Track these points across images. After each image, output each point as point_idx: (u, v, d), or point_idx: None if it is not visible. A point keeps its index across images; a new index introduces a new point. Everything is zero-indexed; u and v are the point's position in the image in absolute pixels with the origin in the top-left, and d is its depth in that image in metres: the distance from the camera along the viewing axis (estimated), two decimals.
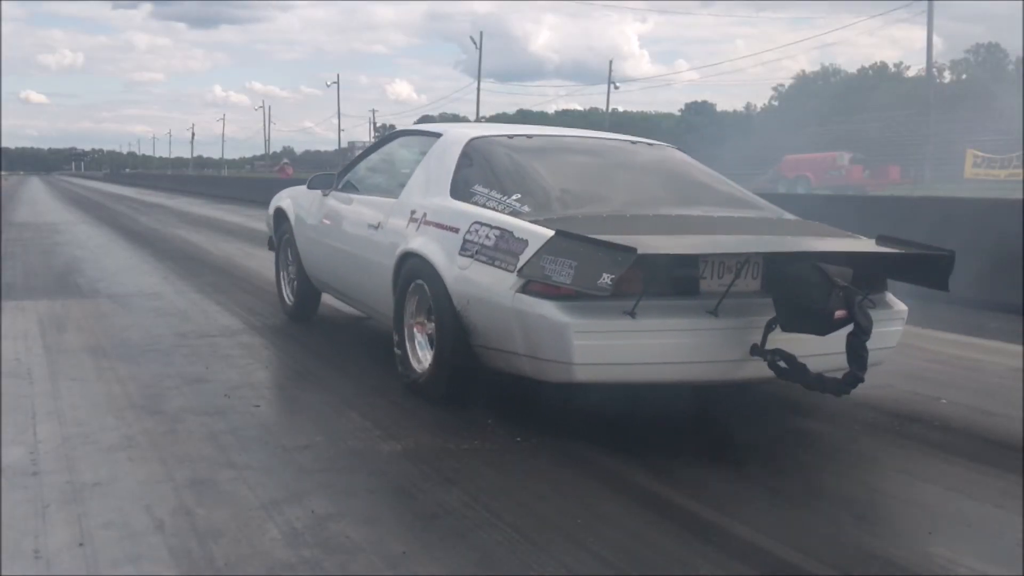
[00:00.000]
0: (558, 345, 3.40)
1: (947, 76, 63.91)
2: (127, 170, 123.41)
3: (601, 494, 3.11)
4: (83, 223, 17.44)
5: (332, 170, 6.33)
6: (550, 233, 3.47)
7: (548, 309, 3.40)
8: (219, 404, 4.14)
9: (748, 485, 3.25)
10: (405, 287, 4.33)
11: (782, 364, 3.52)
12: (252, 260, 9.18)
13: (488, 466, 3.35)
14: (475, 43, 63.20)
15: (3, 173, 72.18)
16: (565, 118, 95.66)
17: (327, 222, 5.54)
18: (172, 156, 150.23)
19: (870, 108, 52.35)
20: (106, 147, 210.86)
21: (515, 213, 3.86)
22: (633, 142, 5.16)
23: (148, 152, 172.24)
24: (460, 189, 4.31)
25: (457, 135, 4.78)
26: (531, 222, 3.72)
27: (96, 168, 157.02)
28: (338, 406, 4.18)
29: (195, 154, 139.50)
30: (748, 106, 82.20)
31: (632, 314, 3.37)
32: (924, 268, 3.83)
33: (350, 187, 5.54)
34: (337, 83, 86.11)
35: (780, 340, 3.51)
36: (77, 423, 3.79)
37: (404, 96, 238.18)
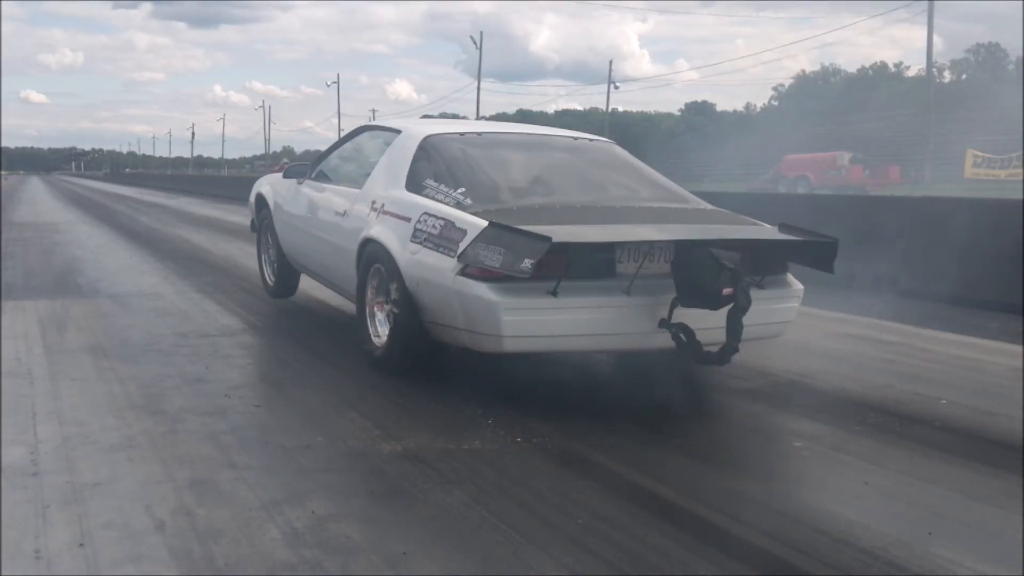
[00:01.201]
0: (490, 320, 3.90)
1: (947, 76, 63.90)
2: (127, 170, 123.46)
3: (601, 495, 3.11)
4: (83, 223, 17.44)
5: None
6: (484, 224, 3.93)
7: (482, 290, 3.89)
8: (219, 404, 4.14)
9: (737, 480, 3.25)
10: (366, 270, 4.80)
11: (683, 337, 3.97)
12: (253, 260, 9.16)
13: (488, 467, 3.36)
14: (475, 43, 63.22)
15: (3, 173, 72.21)
16: (565, 118, 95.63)
17: (302, 209, 6.03)
18: (172, 156, 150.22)
19: (870, 108, 52.36)
20: (106, 147, 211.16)
21: (459, 205, 4.33)
22: (575, 138, 5.71)
23: (148, 152, 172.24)
24: (414, 182, 4.75)
25: (414, 132, 5.20)
26: (471, 213, 4.17)
27: (96, 168, 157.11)
28: (338, 406, 4.18)
29: (195, 154, 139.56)
30: (748, 106, 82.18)
31: (554, 293, 3.87)
32: (814, 253, 4.44)
33: (322, 176, 5.99)
34: (337, 83, 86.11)
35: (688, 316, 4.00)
36: (77, 423, 3.79)
37: (404, 96, 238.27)
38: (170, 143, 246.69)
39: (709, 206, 4.90)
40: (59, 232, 14.55)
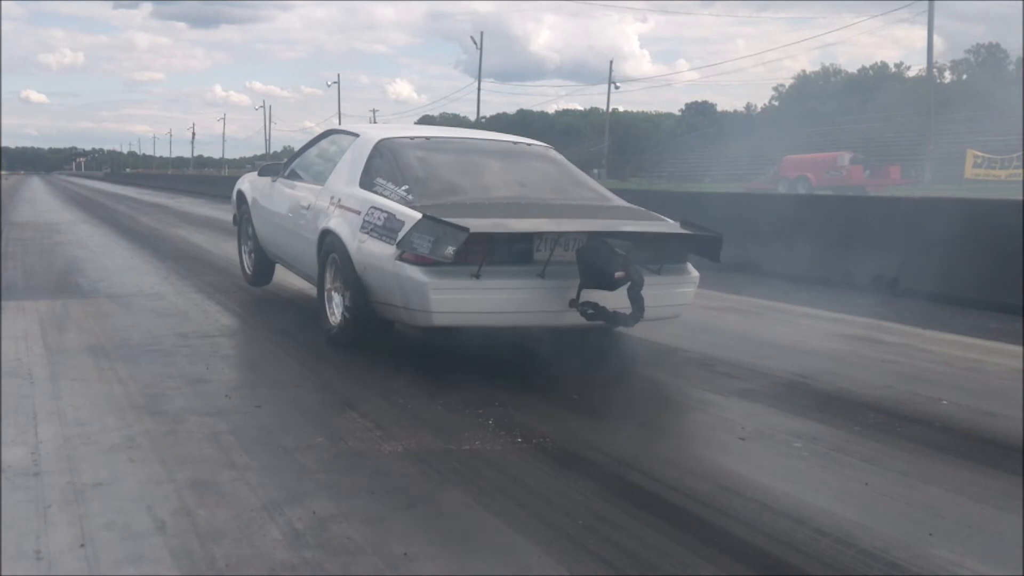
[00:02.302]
0: (421, 298, 4.50)
1: (948, 76, 63.91)
2: (128, 170, 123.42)
3: (602, 495, 3.11)
4: (83, 223, 17.44)
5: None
6: (419, 216, 4.54)
7: (415, 272, 4.49)
8: (220, 405, 4.14)
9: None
10: (325, 258, 5.39)
11: (591, 311, 4.54)
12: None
13: (489, 467, 3.36)
14: (476, 43, 63.11)
15: (4, 173, 72.10)
16: (565, 118, 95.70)
17: (275, 204, 6.65)
18: (173, 156, 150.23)
19: (871, 108, 52.34)
20: (106, 147, 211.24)
21: (402, 200, 4.92)
22: (515, 143, 6.31)
23: (148, 152, 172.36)
24: (367, 180, 5.36)
25: (370, 136, 5.82)
26: (411, 208, 4.74)
27: (96, 168, 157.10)
28: (339, 407, 4.19)
29: (195, 154, 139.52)
30: (749, 106, 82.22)
31: (477, 275, 4.49)
32: (704, 245, 5.07)
33: (293, 175, 6.57)
34: (338, 83, 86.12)
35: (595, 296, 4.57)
36: (78, 423, 3.79)
37: (405, 96, 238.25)
38: (170, 143, 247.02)
39: (626, 204, 5.52)
40: (59, 232, 14.55)
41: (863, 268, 8.29)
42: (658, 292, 4.74)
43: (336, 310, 5.29)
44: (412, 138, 5.87)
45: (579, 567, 2.57)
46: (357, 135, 6.00)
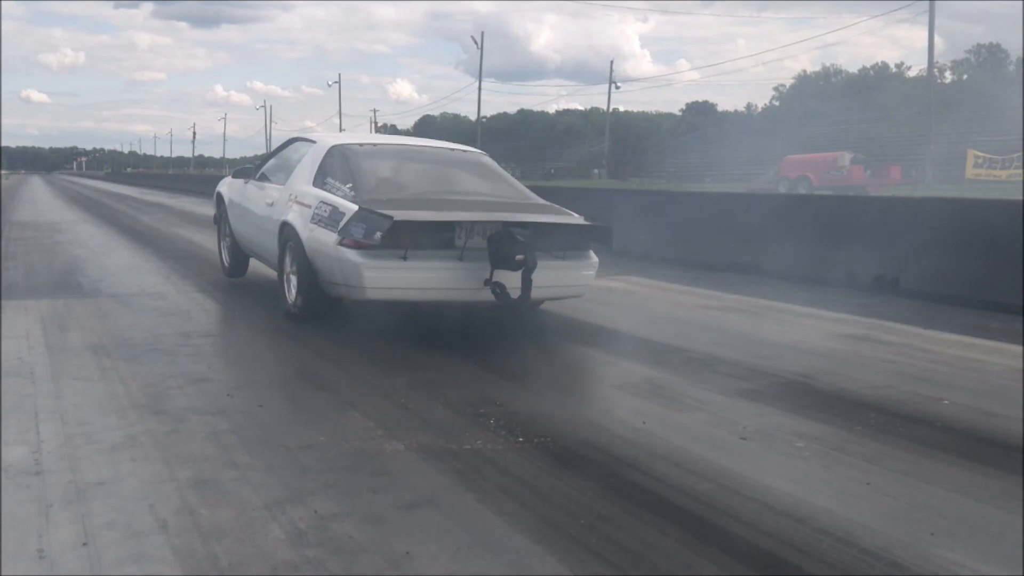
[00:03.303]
0: (356, 276, 5.36)
1: (948, 76, 63.89)
2: (129, 169, 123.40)
3: (603, 495, 3.11)
4: (84, 222, 17.45)
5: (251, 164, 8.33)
6: (355, 208, 5.40)
7: (352, 255, 5.33)
8: (222, 404, 4.14)
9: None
10: (283, 246, 6.21)
11: (498, 291, 5.34)
12: (253, 261, 9.17)
13: (490, 466, 3.36)
14: (476, 43, 63.08)
15: (4, 172, 72.10)
16: (566, 118, 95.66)
17: (246, 202, 7.48)
18: (174, 155, 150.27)
19: (871, 108, 52.36)
20: (107, 146, 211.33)
21: (345, 196, 5.75)
22: (452, 149, 7.39)
23: (149, 151, 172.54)
24: (319, 180, 6.19)
25: (325, 143, 6.73)
26: (351, 202, 5.57)
27: (97, 167, 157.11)
28: (340, 406, 4.19)
29: (196, 153, 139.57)
30: (749, 106, 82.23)
31: (404, 257, 5.31)
32: (598, 234, 5.99)
33: (263, 177, 7.36)
34: (339, 83, 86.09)
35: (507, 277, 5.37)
36: (80, 423, 3.79)
37: (405, 96, 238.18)
38: (171, 143, 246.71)
39: (542, 202, 6.36)
40: (60, 231, 14.55)
41: (864, 268, 8.29)
42: (562, 274, 5.75)
43: (292, 290, 6.12)
44: (361, 144, 6.79)
45: (581, 566, 2.57)
46: (314, 142, 6.89)
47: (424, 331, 6.11)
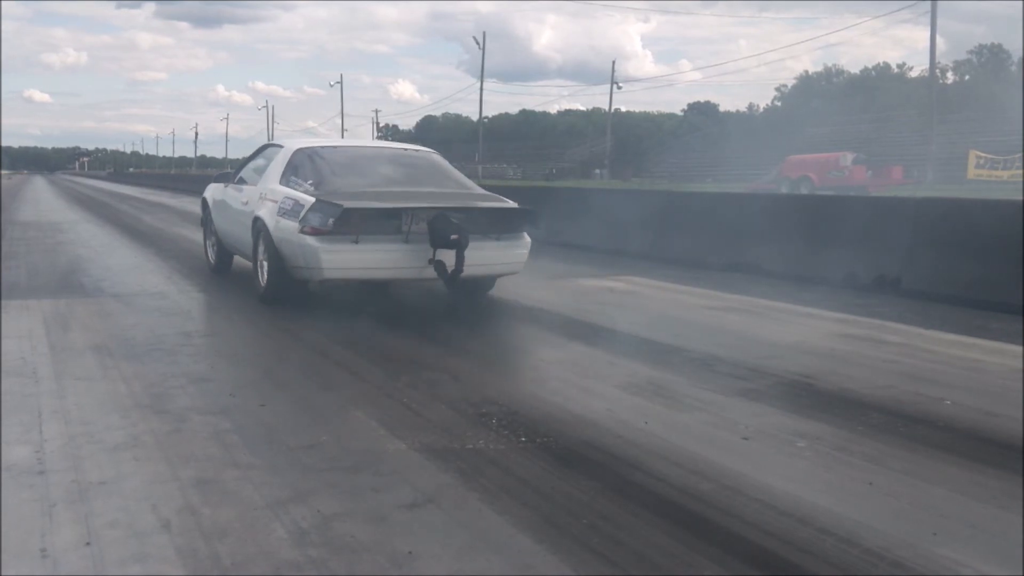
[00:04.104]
0: (315, 259, 6.18)
1: (950, 77, 63.87)
2: (131, 169, 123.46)
3: (605, 495, 3.12)
4: (86, 222, 17.47)
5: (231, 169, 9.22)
6: (313, 199, 6.30)
7: (311, 241, 6.16)
8: (224, 403, 4.15)
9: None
10: (256, 237, 6.99)
11: (439, 268, 6.19)
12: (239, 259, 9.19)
13: (493, 466, 3.36)
14: (478, 43, 63.09)
15: (7, 172, 72.11)
16: (568, 118, 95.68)
17: (226, 203, 8.29)
18: (176, 155, 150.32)
19: (873, 109, 52.32)
20: (109, 146, 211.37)
21: (306, 191, 6.61)
22: (404, 149, 8.48)
23: (151, 151, 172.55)
24: (285, 179, 7.06)
25: (291, 146, 7.61)
26: (310, 195, 6.43)
27: (99, 167, 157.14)
28: (343, 406, 4.19)
29: (198, 153, 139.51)
30: (751, 106, 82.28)
31: (356, 241, 6.15)
32: (528, 217, 6.86)
33: (240, 180, 8.17)
34: (340, 83, 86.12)
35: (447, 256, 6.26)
36: (82, 422, 3.80)
37: (407, 96, 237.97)
38: (173, 142, 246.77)
39: (481, 192, 7.35)
40: (63, 231, 14.57)
41: (866, 268, 8.29)
42: (498, 253, 6.69)
43: (263, 275, 6.87)
44: (323, 146, 7.69)
45: (583, 566, 2.57)
46: (282, 146, 7.75)
47: (426, 331, 6.11)
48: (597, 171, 63.34)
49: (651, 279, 9.06)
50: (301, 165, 7.12)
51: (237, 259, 8.56)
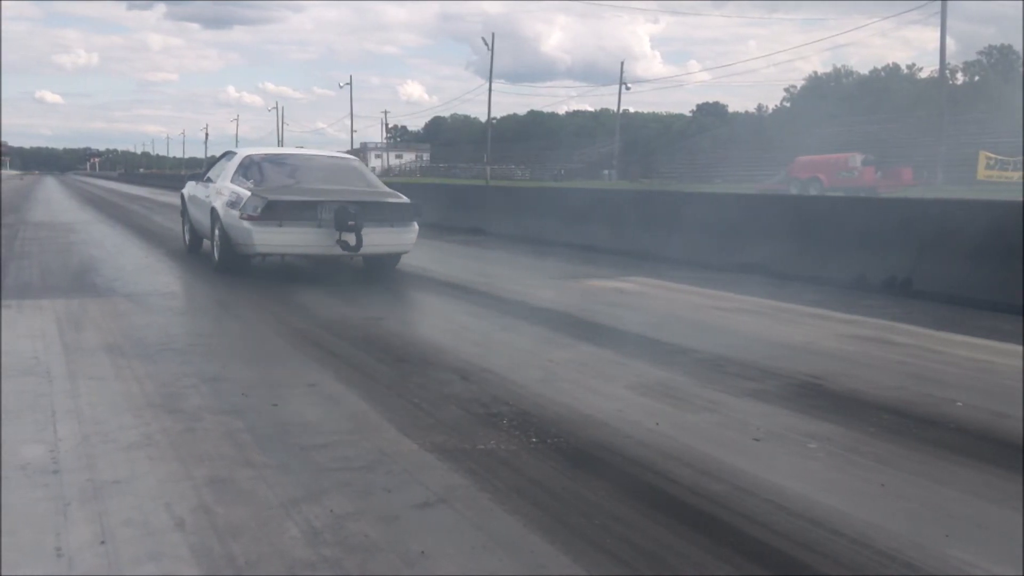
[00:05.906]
0: (249, 238, 8.24)
1: (960, 78, 63.65)
2: (141, 170, 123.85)
3: (617, 495, 3.12)
4: (98, 222, 17.54)
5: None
6: (249, 194, 8.36)
7: (247, 224, 8.20)
8: (236, 403, 4.17)
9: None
10: (212, 223, 9.09)
11: (344, 246, 8.19)
12: (265, 261, 9.22)
13: (505, 466, 3.37)
14: (487, 44, 63.09)
15: (17, 173, 72.33)
16: (576, 119, 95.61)
17: (196, 197, 10.39)
18: (186, 156, 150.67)
19: (882, 109, 52.18)
20: (120, 147, 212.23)
21: (247, 188, 8.64)
22: (332, 156, 10.85)
23: (162, 152, 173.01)
24: (235, 178, 9.10)
25: (243, 153, 9.98)
26: (249, 191, 8.47)
27: (110, 168, 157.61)
28: (355, 405, 4.21)
29: (209, 154, 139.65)
30: (760, 107, 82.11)
31: (280, 225, 8.18)
32: (413, 210, 8.80)
33: (208, 179, 10.11)
34: (350, 84, 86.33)
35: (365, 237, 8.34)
36: (96, 421, 3.82)
37: (416, 97, 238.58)
38: (184, 143, 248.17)
39: (385, 189, 9.42)
40: (74, 232, 14.64)
41: (875, 270, 8.27)
42: (390, 237, 8.62)
43: (217, 252, 8.91)
44: (266, 154, 10.10)
45: (595, 566, 2.58)
46: (236, 153, 10.07)
47: (435, 332, 6.12)
48: (605, 172, 63.30)
49: (659, 280, 9.07)
50: (248, 168, 9.30)
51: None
